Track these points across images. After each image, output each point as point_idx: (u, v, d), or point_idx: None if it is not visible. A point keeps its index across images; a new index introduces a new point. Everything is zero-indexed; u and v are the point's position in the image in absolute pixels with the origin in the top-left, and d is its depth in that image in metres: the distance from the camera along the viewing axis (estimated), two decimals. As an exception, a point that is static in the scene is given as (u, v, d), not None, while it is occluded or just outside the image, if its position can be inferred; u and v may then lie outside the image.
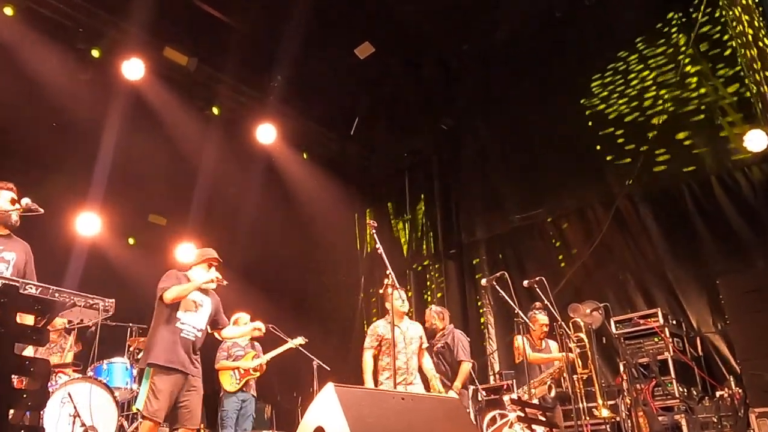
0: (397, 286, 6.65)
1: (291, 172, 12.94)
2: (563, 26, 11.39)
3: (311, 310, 13.95)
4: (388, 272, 6.62)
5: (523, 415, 6.56)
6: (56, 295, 5.24)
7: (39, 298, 4.62)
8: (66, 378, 7.08)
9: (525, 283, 7.65)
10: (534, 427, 6.72)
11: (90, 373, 7.65)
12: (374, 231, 7.02)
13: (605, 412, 7.60)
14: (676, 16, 10.39)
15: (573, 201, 11.19)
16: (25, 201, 5.60)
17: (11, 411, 3.26)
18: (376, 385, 7.19)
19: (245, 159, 12.49)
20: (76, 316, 6.24)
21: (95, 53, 10.19)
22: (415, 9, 11.21)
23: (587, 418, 7.82)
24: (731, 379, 8.18)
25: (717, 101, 9.74)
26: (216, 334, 6.60)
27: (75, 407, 6.60)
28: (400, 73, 12.86)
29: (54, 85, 9.66)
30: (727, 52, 9.73)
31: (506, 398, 8.36)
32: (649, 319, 8.77)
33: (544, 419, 6.65)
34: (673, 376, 8.33)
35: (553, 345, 8.61)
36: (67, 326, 7.53)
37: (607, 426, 8.11)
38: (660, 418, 7.86)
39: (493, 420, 7.74)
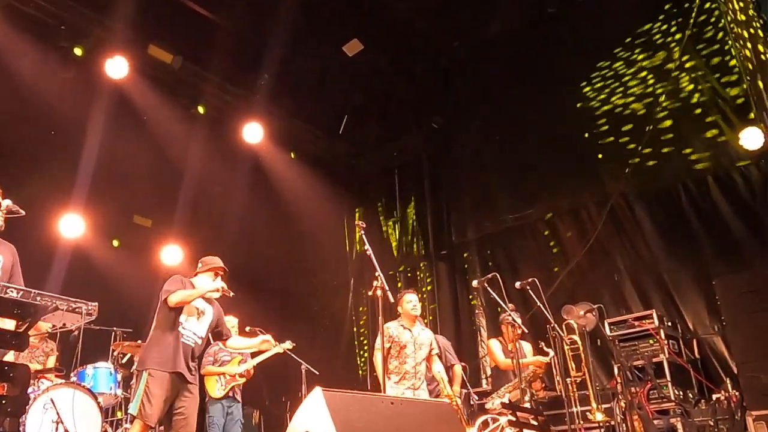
0: (387, 288, 6.51)
1: (278, 172, 12.81)
2: (556, 23, 11.30)
3: (299, 313, 13.84)
4: (377, 274, 6.48)
5: (514, 419, 6.47)
6: (38, 298, 5.11)
7: (19, 302, 4.47)
8: (48, 383, 6.99)
9: (517, 284, 7.66)
10: (525, 431, 6.61)
11: (73, 379, 7.57)
12: (363, 232, 6.94)
13: (599, 416, 7.53)
14: (672, 12, 10.29)
15: (567, 200, 11.10)
16: (6, 203, 5.47)
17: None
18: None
19: (231, 159, 12.39)
20: (58, 320, 6.13)
21: (78, 51, 10.06)
22: (407, 5, 11.12)
23: (581, 422, 7.67)
24: (728, 381, 8.18)
25: (713, 99, 9.65)
26: (221, 345, 6.42)
27: (58, 413, 6.50)
28: (390, 71, 12.74)
29: (36, 84, 9.54)
30: (725, 50, 9.61)
31: (496, 402, 8.19)
32: (644, 321, 8.71)
33: (536, 423, 6.62)
34: (668, 378, 8.28)
35: (527, 347, 8.49)
36: (50, 330, 7.41)
37: (602, 430, 8.01)
38: (655, 422, 7.86)
39: (485, 424, 7.62)
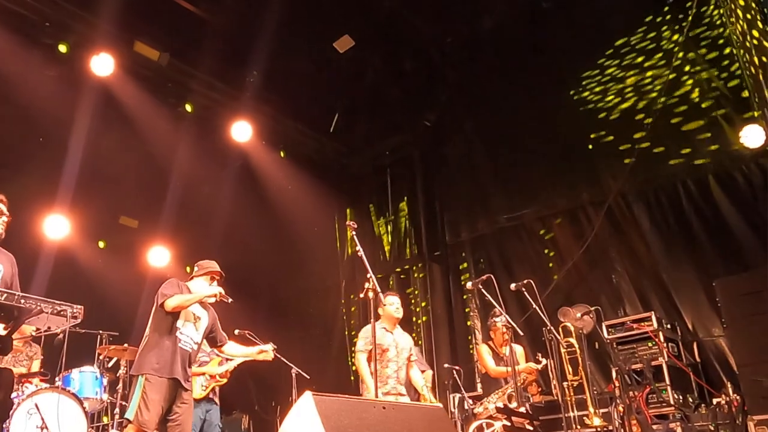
0: (379, 290, 6.40)
1: (267, 171, 12.70)
2: (551, 17, 11.23)
3: (289, 315, 13.83)
4: (369, 276, 6.39)
5: (509, 424, 6.47)
6: (22, 301, 5.05)
7: (2, 305, 4.46)
8: (33, 388, 7.03)
9: (512, 286, 7.59)
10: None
11: (58, 383, 7.52)
12: (354, 233, 6.83)
13: (597, 421, 7.45)
14: (671, 7, 10.22)
15: (563, 200, 11.01)
16: None
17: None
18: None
19: (220, 158, 12.35)
20: (43, 323, 6.13)
21: (62, 48, 9.92)
22: (398, 1, 11.05)
23: (578, 426, 7.66)
24: (729, 385, 8.02)
25: (713, 96, 9.61)
26: (216, 352, 6.66)
27: (42, 418, 6.52)
28: (381, 68, 12.68)
29: (19, 83, 9.46)
30: (725, 45, 9.60)
31: (490, 407, 8.06)
32: (642, 323, 8.65)
33: (531, 428, 6.64)
34: (667, 382, 8.21)
35: (519, 349, 8.35)
36: (34, 334, 7.33)
37: (599, 435, 7.92)
38: (654, 427, 7.78)
39: (480, 429, 7.53)
